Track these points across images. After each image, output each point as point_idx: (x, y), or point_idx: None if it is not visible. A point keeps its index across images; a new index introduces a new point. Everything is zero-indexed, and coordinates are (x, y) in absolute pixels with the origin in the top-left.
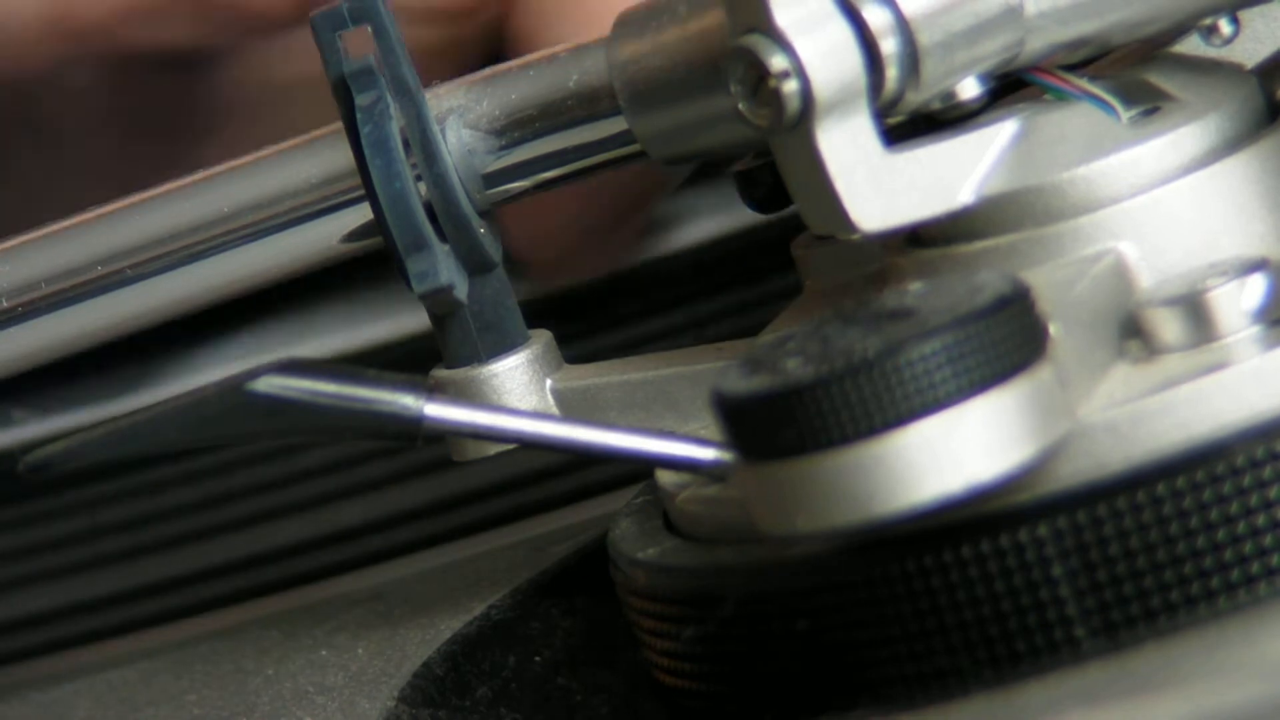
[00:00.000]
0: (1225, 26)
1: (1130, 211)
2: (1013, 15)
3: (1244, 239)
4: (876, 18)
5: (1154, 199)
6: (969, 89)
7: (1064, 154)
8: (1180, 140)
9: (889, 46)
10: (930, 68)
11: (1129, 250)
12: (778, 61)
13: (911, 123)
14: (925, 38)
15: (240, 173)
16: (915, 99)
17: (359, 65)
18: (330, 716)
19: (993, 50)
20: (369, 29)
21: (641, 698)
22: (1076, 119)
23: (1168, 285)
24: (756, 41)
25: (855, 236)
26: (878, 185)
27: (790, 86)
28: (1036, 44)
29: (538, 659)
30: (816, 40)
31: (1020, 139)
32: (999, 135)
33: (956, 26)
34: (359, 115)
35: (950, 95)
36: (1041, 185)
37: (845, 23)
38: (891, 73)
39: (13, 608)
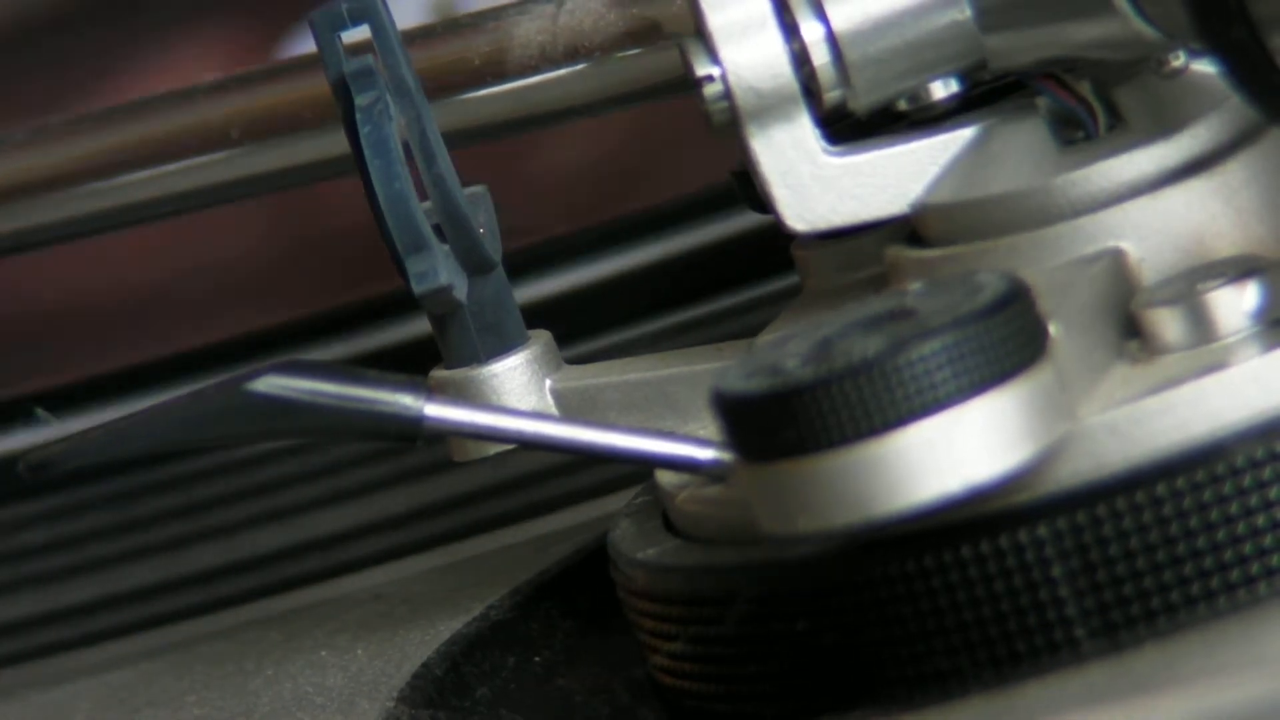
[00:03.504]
0: (1174, 60)
1: (1130, 212)
2: (960, 28)
3: (1244, 240)
4: (810, 30)
5: (1154, 199)
6: (938, 90)
7: (1062, 156)
8: (1181, 141)
9: (820, 58)
10: (862, 80)
11: (1129, 250)
12: (702, 66)
13: (890, 120)
14: (854, 53)
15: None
16: (856, 106)
17: (358, 65)
18: (330, 717)
19: (938, 60)
20: (369, 29)
21: (642, 698)
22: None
23: (1167, 286)
24: (689, 44)
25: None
26: (817, 187)
27: (714, 90)
28: (1008, 55)
29: (537, 659)
30: (745, 48)
31: (994, 142)
32: (953, 142)
33: (890, 42)
34: (358, 116)
35: (918, 97)
36: (1041, 186)
37: (778, 33)
38: (825, 83)
39: (13, 609)
